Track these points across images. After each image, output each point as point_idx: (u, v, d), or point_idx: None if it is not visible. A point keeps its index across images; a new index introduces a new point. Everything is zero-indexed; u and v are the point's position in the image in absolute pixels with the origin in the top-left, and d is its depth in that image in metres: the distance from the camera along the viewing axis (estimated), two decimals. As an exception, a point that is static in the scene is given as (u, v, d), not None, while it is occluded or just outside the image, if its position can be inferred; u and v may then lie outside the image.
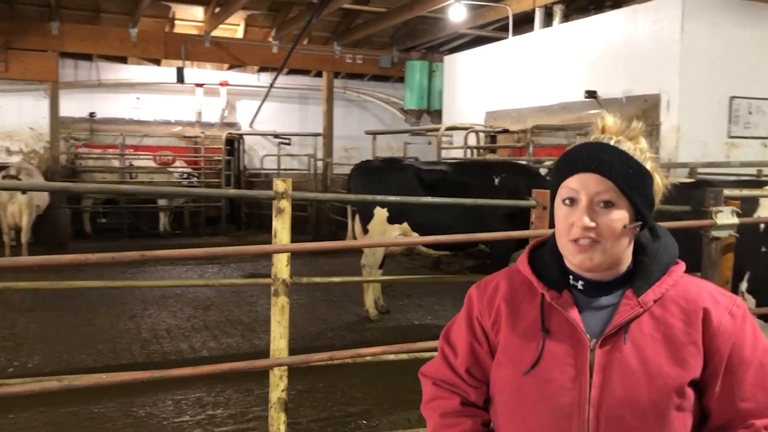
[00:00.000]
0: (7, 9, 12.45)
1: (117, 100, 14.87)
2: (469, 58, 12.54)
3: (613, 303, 1.51)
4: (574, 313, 1.51)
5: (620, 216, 1.45)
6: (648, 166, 1.51)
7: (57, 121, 13.33)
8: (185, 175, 14.77)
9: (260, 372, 5.28)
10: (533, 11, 11.16)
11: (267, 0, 13.31)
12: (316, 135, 15.28)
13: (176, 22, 14.18)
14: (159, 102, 15.20)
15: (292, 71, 15.78)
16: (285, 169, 15.67)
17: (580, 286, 1.53)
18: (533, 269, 1.59)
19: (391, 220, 7.24)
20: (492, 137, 11.29)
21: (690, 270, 1.60)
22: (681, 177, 7.62)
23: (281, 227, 2.73)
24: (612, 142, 1.50)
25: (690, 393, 1.46)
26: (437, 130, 11.22)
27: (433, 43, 15.58)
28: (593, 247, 1.45)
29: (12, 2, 12.37)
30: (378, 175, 7.47)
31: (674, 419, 1.43)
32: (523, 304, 1.58)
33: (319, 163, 15.05)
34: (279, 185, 2.77)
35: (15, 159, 13.51)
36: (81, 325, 7.03)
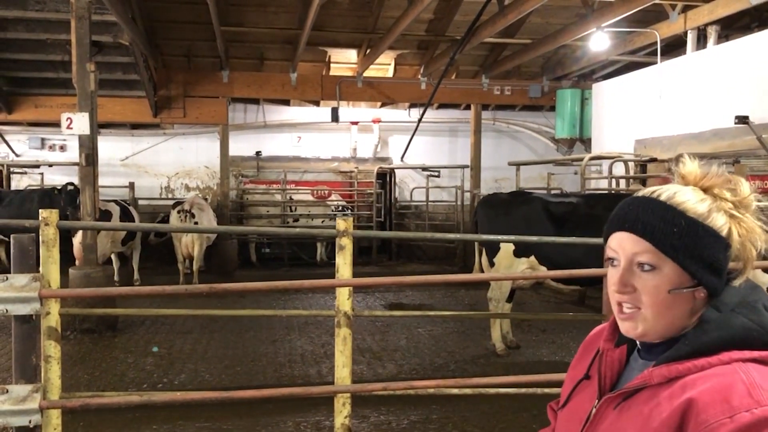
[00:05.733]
0: (185, 62, 14.06)
1: (280, 139, 16.13)
2: (617, 85, 12.12)
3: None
4: (607, 367, 1.44)
5: (662, 280, 1.29)
6: (720, 220, 1.31)
7: (227, 160, 14.69)
8: (340, 208, 15.57)
9: (379, 397, 5.53)
10: (685, 34, 10.61)
11: (415, 39, 13.80)
12: (464, 167, 15.45)
13: (332, 65, 15.12)
14: (317, 140, 16.26)
15: (442, 105, 16.16)
16: (433, 201, 16.01)
17: (639, 345, 1.44)
18: None
19: (518, 253, 7.19)
20: (642, 166, 10.79)
21: None
22: None
23: (343, 263, 2.94)
24: (664, 195, 1.34)
25: None
26: (582, 159, 10.93)
27: (585, 71, 15.24)
28: (636, 314, 1.33)
29: (190, 56, 13.94)
30: (504, 208, 7.46)
31: None
32: (591, 349, 1.58)
33: (467, 194, 15.19)
34: (340, 224, 2.99)
35: (192, 194, 15.12)
36: (227, 347, 7.68)
